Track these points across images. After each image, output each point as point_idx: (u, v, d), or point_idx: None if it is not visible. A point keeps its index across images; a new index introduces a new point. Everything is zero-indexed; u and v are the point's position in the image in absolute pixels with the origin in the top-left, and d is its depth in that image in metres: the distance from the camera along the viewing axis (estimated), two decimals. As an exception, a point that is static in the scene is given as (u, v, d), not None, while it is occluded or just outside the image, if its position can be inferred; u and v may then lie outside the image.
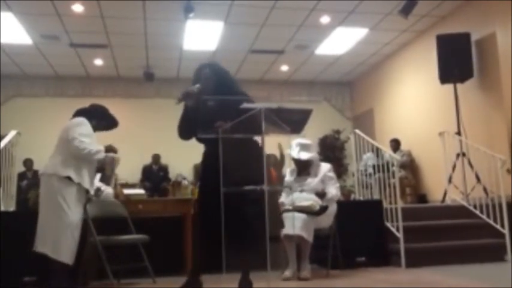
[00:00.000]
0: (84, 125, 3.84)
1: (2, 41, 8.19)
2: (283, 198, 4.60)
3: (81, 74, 10.12)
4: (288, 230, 4.18)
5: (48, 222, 3.62)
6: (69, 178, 3.67)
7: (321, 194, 4.39)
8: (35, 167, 8.40)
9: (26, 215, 4.06)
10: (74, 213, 3.66)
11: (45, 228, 3.63)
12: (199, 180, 3.61)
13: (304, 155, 4.53)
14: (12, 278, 4.18)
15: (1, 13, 7.12)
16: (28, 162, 8.51)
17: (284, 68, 10.29)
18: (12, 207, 5.29)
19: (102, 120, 4.03)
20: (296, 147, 4.56)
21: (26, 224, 3.81)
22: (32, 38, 8.15)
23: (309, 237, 4.17)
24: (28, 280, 4.18)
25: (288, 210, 4.32)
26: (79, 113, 3.98)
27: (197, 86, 3.42)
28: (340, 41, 8.73)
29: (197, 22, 7.60)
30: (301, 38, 8.58)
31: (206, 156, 3.49)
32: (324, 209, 4.28)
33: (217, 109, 3.33)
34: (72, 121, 3.90)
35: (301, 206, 4.26)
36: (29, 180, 8.16)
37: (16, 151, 5.47)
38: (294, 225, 4.12)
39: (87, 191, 3.82)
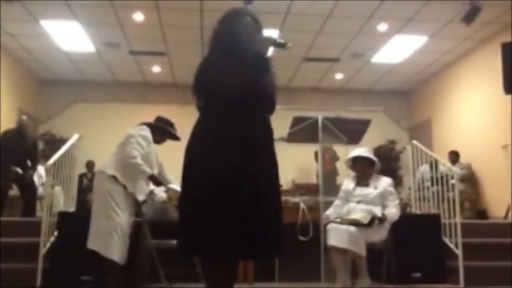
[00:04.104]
0: (145, 131, 3.95)
1: (67, 49, 8.59)
2: (330, 211, 4.45)
3: (139, 80, 10.44)
4: (333, 241, 4.09)
5: (99, 219, 3.73)
6: (115, 178, 3.76)
7: (381, 219, 4.22)
8: (96, 168, 8.73)
9: (84, 215, 4.18)
10: (124, 213, 3.76)
11: (96, 226, 3.74)
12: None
13: (366, 153, 4.45)
14: (69, 277, 4.33)
15: (67, 22, 7.48)
16: (90, 164, 8.83)
17: (339, 76, 10.18)
18: (72, 208, 5.49)
19: (164, 135, 4.15)
20: (355, 152, 4.49)
21: (85, 224, 3.94)
22: (95, 46, 8.49)
23: (358, 249, 4.05)
24: (85, 279, 4.31)
25: (335, 222, 4.22)
26: (144, 123, 4.11)
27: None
28: (398, 49, 8.53)
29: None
30: (357, 46, 8.46)
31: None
32: (373, 220, 4.15)
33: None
34: (136, 127, 4.01)
35: (349, 219, 4.15)
36: (89, 182, 8.48)
37: (77, 153, 5.68)
38: (341, 238, 4.02)
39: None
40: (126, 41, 8.34)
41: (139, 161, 3.76)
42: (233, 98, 2.30)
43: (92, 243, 3.72)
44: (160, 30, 7.85)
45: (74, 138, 5.45)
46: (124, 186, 3.79)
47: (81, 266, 4.30)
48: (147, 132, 3.95)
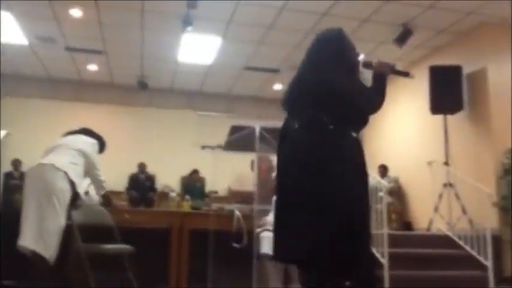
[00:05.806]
0: (97, 147, 4.17)
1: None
2: (270, 217, 4.56)
3: (75, 78, 10.07)
4: (266, 249, 4.17)
5: (46, 215, 3.62)
6: (72, 183, 3.76)
7: None
8: (23, 168, 8.29)
9: (9, 216, 3.98)
10: (64, 217, 3.71)
11: (40, 223, 3.60)
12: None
13: None
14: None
15: (1, 12, 7.10)
16: (16, 163, 8.38)
17: (277, 86, 10.35)
18: (-5, 208, 5.20)
19: (102, 146, 4.32)
20: None
21: (9, 225, 3.75)
22: (28, 39, 8.12)
23: None
24: (8, 283, 4.10)
25: (268, 230, 4.30)
26: (90, 133, 4.23)
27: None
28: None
29: (195, 36, 7.64)
30: (296, 59, 8.62)
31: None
32: None
33: None
34: (93, 141, 4.15)
35: None
36: (16, 181, 8.04)
37: (4, 151, 5.40)
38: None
39: (75, 200, 3.86)
40: (62, 37, 8.03)
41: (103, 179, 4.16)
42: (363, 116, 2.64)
43: (29, 241, 3.55)
44: (99, 28, 7.64)
45: (1, 134, 5.19)
46: (75, 193, 3.82)
47: (3, 270, 4.09)
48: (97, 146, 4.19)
